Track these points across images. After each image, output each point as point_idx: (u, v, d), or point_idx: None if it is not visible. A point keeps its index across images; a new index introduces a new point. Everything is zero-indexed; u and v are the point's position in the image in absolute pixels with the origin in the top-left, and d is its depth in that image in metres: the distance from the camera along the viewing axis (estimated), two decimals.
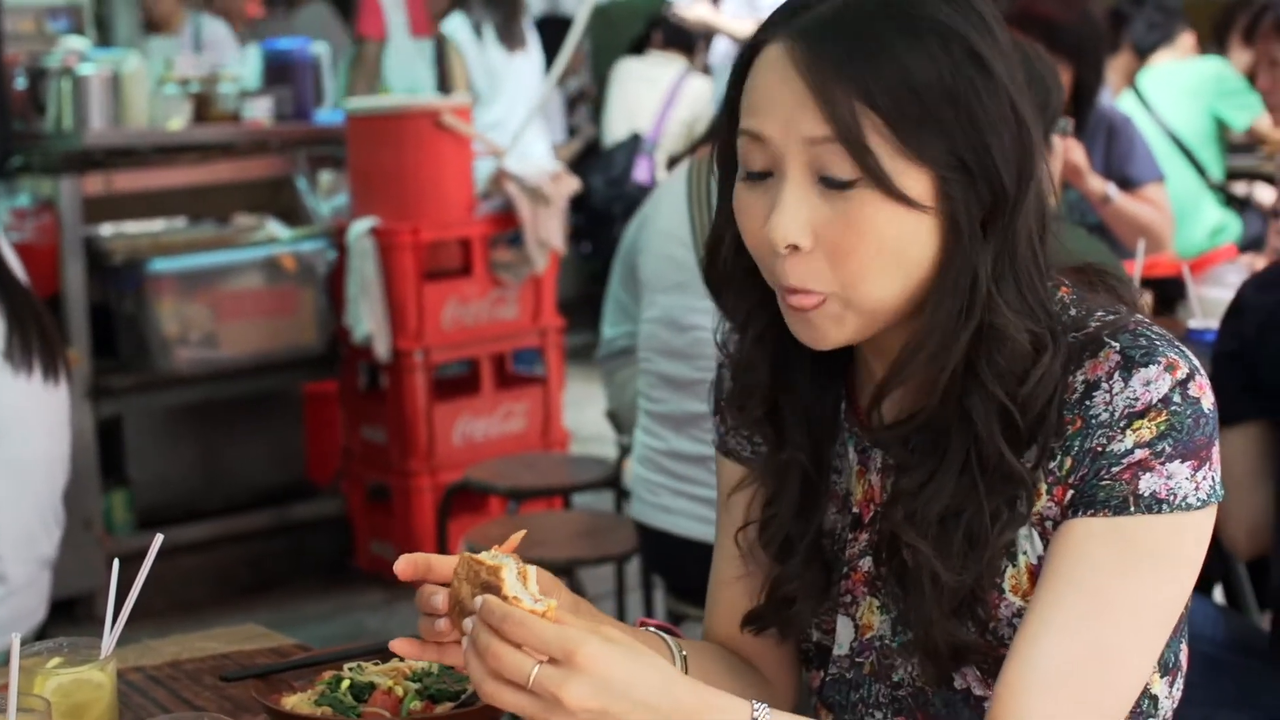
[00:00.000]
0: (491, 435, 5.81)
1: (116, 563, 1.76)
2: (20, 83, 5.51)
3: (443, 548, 4.84)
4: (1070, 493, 1.56)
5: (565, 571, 3.97)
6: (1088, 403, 1.55)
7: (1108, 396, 1.54)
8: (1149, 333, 1.58)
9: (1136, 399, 1.53)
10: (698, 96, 8.65)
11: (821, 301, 1.55)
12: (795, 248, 1.54)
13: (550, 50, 7.54)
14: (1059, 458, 1.56)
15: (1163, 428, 1.53)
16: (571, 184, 5.99)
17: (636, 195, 7.68)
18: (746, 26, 7.98)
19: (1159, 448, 1.52)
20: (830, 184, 1.52)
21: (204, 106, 5.73)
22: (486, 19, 7.23)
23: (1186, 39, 6.45)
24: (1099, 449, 1.54)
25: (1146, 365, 1.54)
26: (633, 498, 3.70)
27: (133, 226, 5.63)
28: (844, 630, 1.74)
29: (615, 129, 8.82)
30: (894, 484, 1.64)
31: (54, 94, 5.39)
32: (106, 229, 5.51)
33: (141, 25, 7.10)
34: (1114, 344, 1.56)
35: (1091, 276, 1.68)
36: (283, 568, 5.79)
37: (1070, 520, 1.55)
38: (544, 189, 5.77)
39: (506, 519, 5.03)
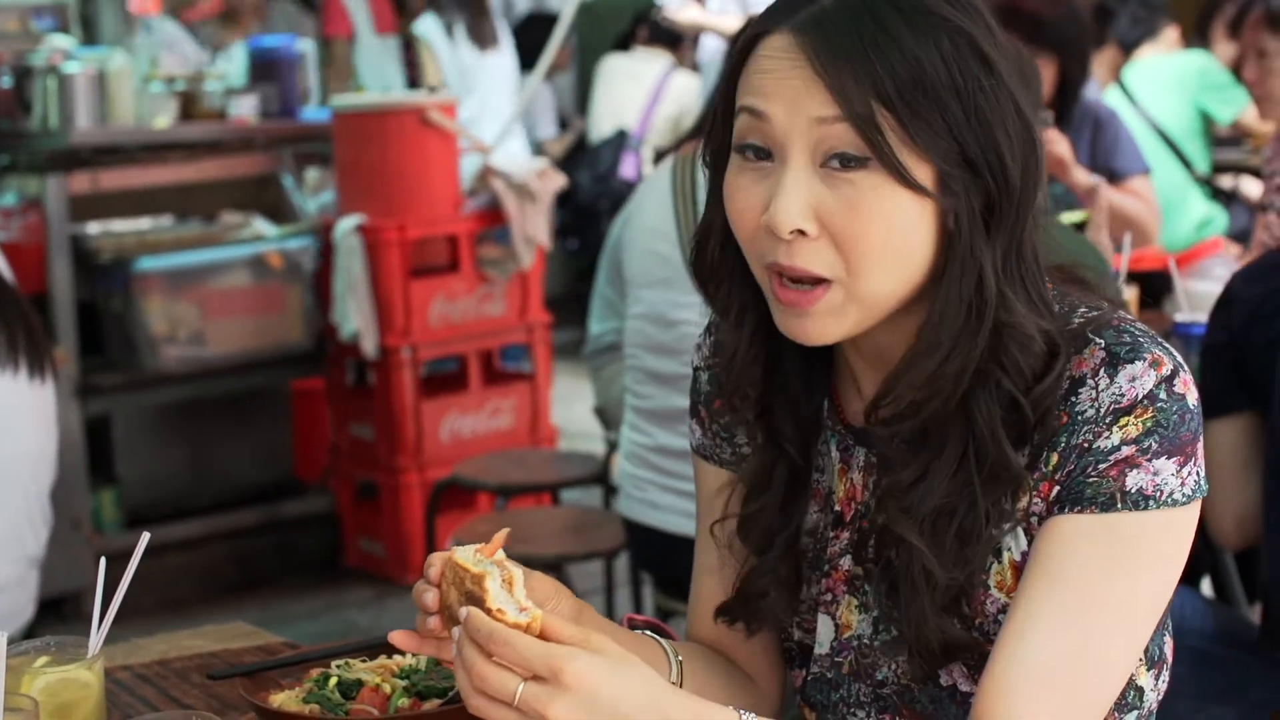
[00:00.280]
0: (479, 432, 5.81)
1: (104, 561, 1.76)
2: (5, 81, 5.50)
3: (431, 544, 4.84)
4: (1056, 489, 1.56)
5: (554, 567, 3.97)
6: (1073, 399, 1.55)
7: (1093, 393, 1.54)
8: (1133, 329, 1.58)
9: (1122, 395, 1.53)
10: (684, 92, 8.66)
11: (824, 293, 1.54)
12: (800, 233, 1.53)
13: (536, 47, 7.54)
14: (1045, 453, 1.57)
15: (1149, 424, 1.53)
16: (558, 180, 5.99)
17: (623, 191, 7.70)
18: (737, 24, 7.99)
19: (1145, 444, 1.53)
20: (836, 166, 1.52)
21: (190, 104, 5.72)
22: (457, 18, 7.26)
23: (1171, 33, 6.46)
24: (1085, 445, 1.54)
25: (1132, 362, 1.54)
26: (620, 493, 3.71)
27: (119, 225, 5.62)
28: (824, 629, 1.74)
29: (601, 125, 8.83)
30: (886, 480, 1.64)
31: (39, 92, 5.38)
32: (93, 227, 5.51)
33: (220, 21, 7.07)
34: (1099, 340, 1.57)
35: (1070, 273, 1.68)
36: (271, 565, 5.78)
37: (1057, 516, 1.55)
38: (530, 185, 5.77)
39: (495, 515, 5.02)
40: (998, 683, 1.52)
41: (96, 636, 1.70)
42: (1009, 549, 1.60)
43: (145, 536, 1.71)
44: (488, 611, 1.43)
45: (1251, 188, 5.86)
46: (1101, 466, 1.53)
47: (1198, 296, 3.54)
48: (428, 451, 5.65)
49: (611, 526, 4.02)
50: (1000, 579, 1.60)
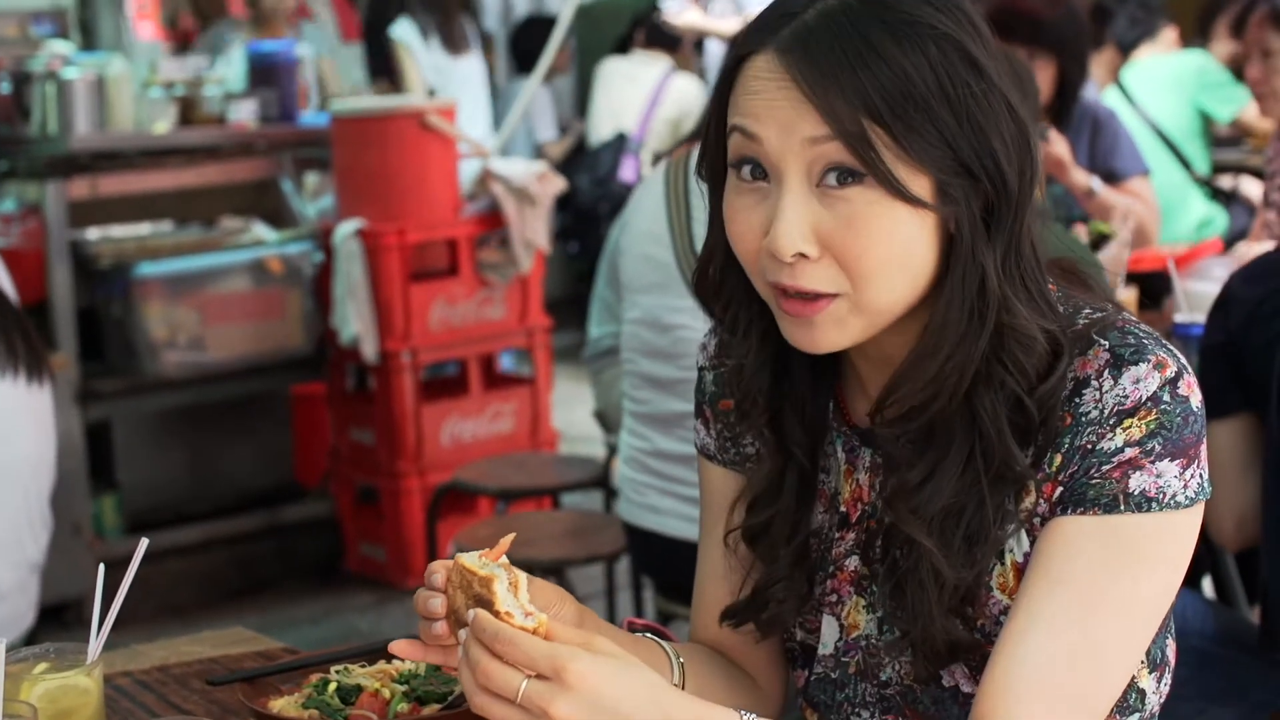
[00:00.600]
0: (480, 436, 5.80)
1: (102, 567, 1.76)
2: (4, 87, 5.50)
3: (432, 548, 4.84)
4: (1059, 490, 1.56)
5: (555, 571, 3.97)
6: (1077, 400, 1.55)
7: (1097, 394, 1.54)
8: (1137, 331, 1.58)
9: (1126, 397, 1.53)
10: (683, 95, 8.66)
11: (828, 303, 1.54)
12: (802, 255, 1.52)
13: (535, 50, 7.56)
14: (1049, 454, 1.56)
15: (1152, 426, 1.53)
16: (557, 184, 5.99)
17: (622, 194, 7.70)
18: (736, 28, 8.00)
19: (1149, 446, 1.53)
20: (833, 182, 1.51)
21: (189, 109, 5.72)
22: (429, 22, 7.30)
23: (1169, 33, 6.47)
24: (1089, 446, 1.54)
25: (1136, 363, 1.54)
26: (620, 498, 3.70)
27: (119, 230, 5.63)
28: (829, 630, 1.74)
29: (601, 128, 8.84)
30: (893, 481, 1.63)
31: (39, 98, 5.38)
32: (93, 233, 5.51)
33: (250, 23, 7.06)
34: (1103, 342, 1.56)
35: (1069, 271, 1.68)
36: (272, 570, 5.78)
37: (1060, 518, 1.55)
38: (530, 189, 5.76)
39: (495, 519, 5.03)
40: (998, 683, 1.52)
41: (96, 642, 1.70)
42: (1011, 550, 1.60)
43: (144, 542, 1.71)
44: (495, 614, 1.44)
45: (1251, 188, 5.86)
46: (1105, 468, 1.53)
47: (1197, 297, 3.54)
48: (428, 456, 5.65)
49: (612, 530, 4.02)
50: (1002, 580, 1.60)
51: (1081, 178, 4.40)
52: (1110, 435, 1.53)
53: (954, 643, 1.60)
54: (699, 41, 9.61)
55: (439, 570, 1.57)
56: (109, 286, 5.42)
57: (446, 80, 7.23)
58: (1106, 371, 1.55)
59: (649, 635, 1.77)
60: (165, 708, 1.97)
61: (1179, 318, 3.50)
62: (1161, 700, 1.69)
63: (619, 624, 1.82)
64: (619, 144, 8.61)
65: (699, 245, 1.71)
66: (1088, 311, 1.61)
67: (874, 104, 1.48)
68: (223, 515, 5.74)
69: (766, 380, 1.70)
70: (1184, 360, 1.57)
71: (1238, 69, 5.74)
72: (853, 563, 1.71)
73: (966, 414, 1.57)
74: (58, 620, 5.02)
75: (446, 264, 5.78)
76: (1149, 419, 1.53)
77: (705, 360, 1.85)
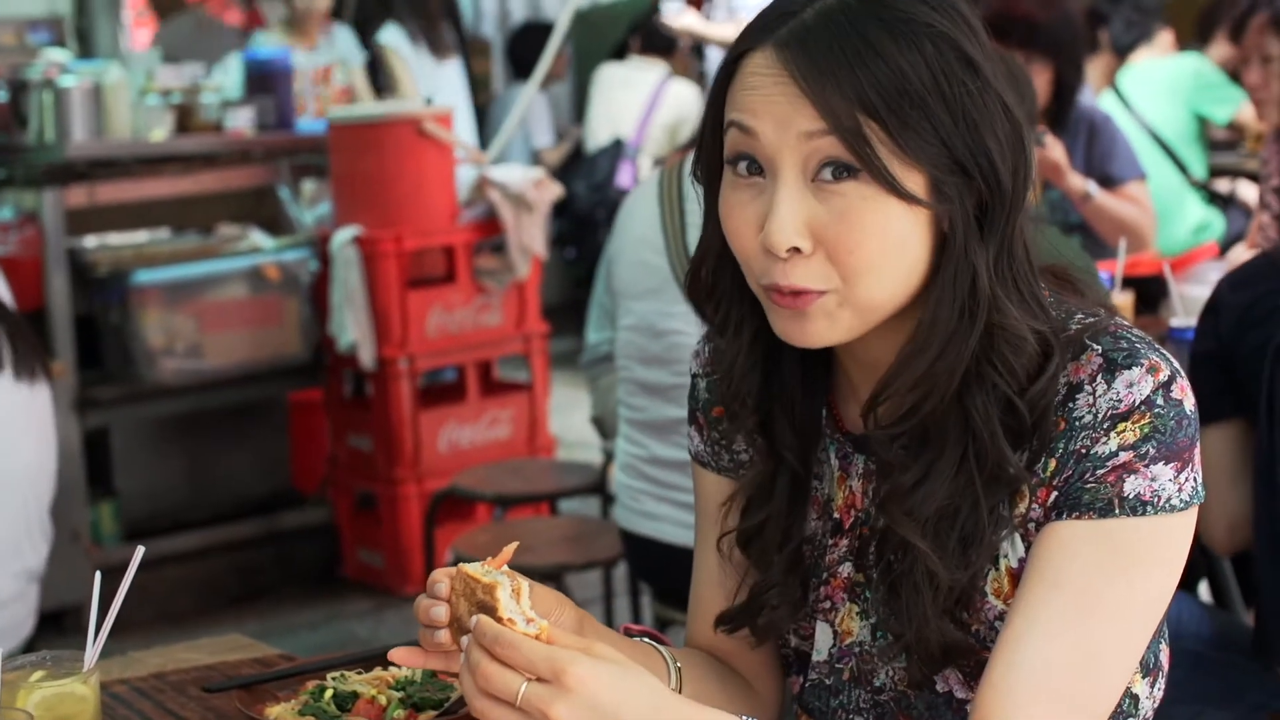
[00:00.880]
0: (477, 442, 5.80)
1: (99, 574, 1.76)
2: (1, 95, 5.50)
3: (430, 555, 4.84)
4: (1054, 494, 1.56)
5: (553, 577, 3.97)
6: (1071, 404, 1.56)
7: (1090, 399, 1.55)
8: (1129, 335, 1.58)
9: (1120, 401, 1.54)
10: (680, 100, 8.67)
11: (818, 296, 1.54)
12: (796, 250, 1.53)
13: (532, 56, 7.56)
14: (1043, 459, 1.57)
15: (1146, 430, 1.53)
16: (554, 190, 5.99)
17: (619, 200, 7.69)
18: (733, 33, 8.00)
19: (1143, 450, 1.53)
20: (828, 177, 1.52)
21: (186, 117, 5.71)
22: (415, 28, 7.30)
23: (1165, 37, 6.47)
24: (1083, 451, 1.54)
25: (1129, 367, 1.54)
26: (617, 504, 3.71)
27: (116, 238, 5.62)
28: (823, 636, 1.74)
29: (598, 134, 8.84)
30: (887, 484, 1.63)
31: (36, 106, 5.38)
32: (90, 241, 5.51)
33: (282, 26, 7.05)
34: (1096, 347, 1.57)
35: (1061, 276, 1.69)
36: (270, 577, 5.78)
37: (1054, 522, 1.55)
38: (527, 195, 5.77)
39: (493, 526, 5.04)
40: (995, 688, 1.52)
41: (92, 650, 1.69)
42: (1006, 556, 1.60)
43: (140, 550, 1.71)
44: (498, 620, 1.44)
45: (1248, 192, 5.86)
46: (1099, 472, 1.53)
47: (1193, 301, 3.54)
48: (426, 462, 5.65)
49: (610, 536, 4.02)
50: (997, 586, 1.60)
51: (1078, 182, 4.41)
52: (1104, 439, 1.53)
53: (949, 645, 1.60)
54: (698, 46, 9.62)
55: (443, 579, 1.57)
56: (106, 294, 5.41)
57: (432, 85, 7.23)
58: (1100, 376, 1.55)
59: (646, 640, 1.77)
60: (162, 715, 1.97)
61: (1175, 322, 3.51)
62: (1155, 705, 1.69)
63: (616, 630, 1.83)
64: (616, 150, 8.62)
65: (693, 250, 1.71)
66: (1080, 316, 1.61)
67: (870, 100, 1.49)
68: (221, 522, 5.73)
69: (757, 381, 1.70)
70: (1177, 364, 1.57)
71: (1234, 73, 5.74)
72: (846, 569, 1.71)
73: (959, 416, 1.58)
74: (56, 627, 5.02)
75: (444, 270, 5.78)
76: (1143, 423, 1.53)
77: (698, 367, 1.85)
